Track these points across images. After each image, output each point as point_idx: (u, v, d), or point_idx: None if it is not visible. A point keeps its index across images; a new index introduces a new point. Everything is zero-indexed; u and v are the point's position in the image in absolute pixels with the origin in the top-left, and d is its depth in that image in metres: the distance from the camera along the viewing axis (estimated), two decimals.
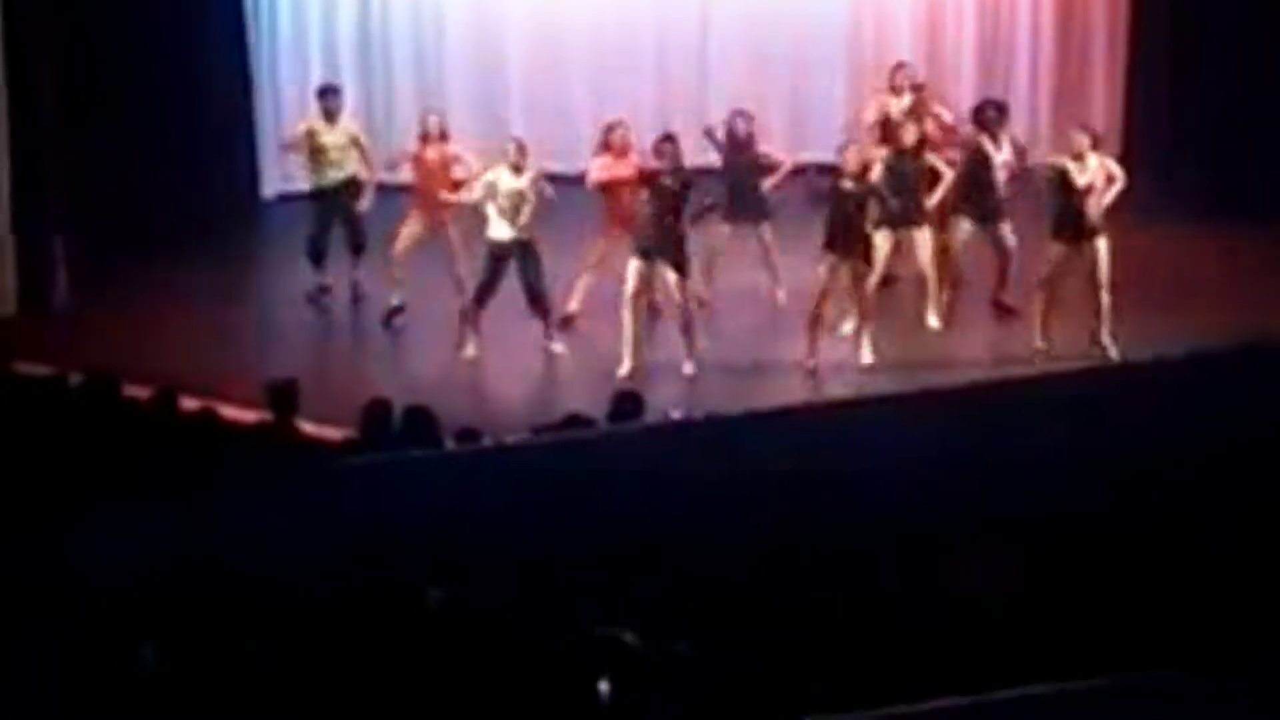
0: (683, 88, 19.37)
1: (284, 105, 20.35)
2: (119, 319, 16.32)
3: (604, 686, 6.47)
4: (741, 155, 16.24)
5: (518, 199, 15.23)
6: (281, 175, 20.23)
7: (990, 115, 16.14)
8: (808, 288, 15.19)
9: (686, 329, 14.95)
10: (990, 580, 5.19)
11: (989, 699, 4.42)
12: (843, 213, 14.84)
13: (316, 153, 16.89)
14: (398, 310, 16.27)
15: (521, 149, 15.50)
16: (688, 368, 14.91)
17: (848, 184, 14.90)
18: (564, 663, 6.69)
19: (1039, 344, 15.04)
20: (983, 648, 5.15)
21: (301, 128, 17.17)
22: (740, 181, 16.26)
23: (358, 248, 16.83)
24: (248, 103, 19.90)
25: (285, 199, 20.35)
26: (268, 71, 20.31)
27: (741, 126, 16.29)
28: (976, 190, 15.92)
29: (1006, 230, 15.89)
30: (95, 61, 18.08)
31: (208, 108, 19.15)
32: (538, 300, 15.34)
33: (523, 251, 15.27)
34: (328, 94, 17.23)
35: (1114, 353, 14.81)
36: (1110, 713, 4.59)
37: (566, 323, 15.85)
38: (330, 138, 16.88)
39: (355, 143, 16.95)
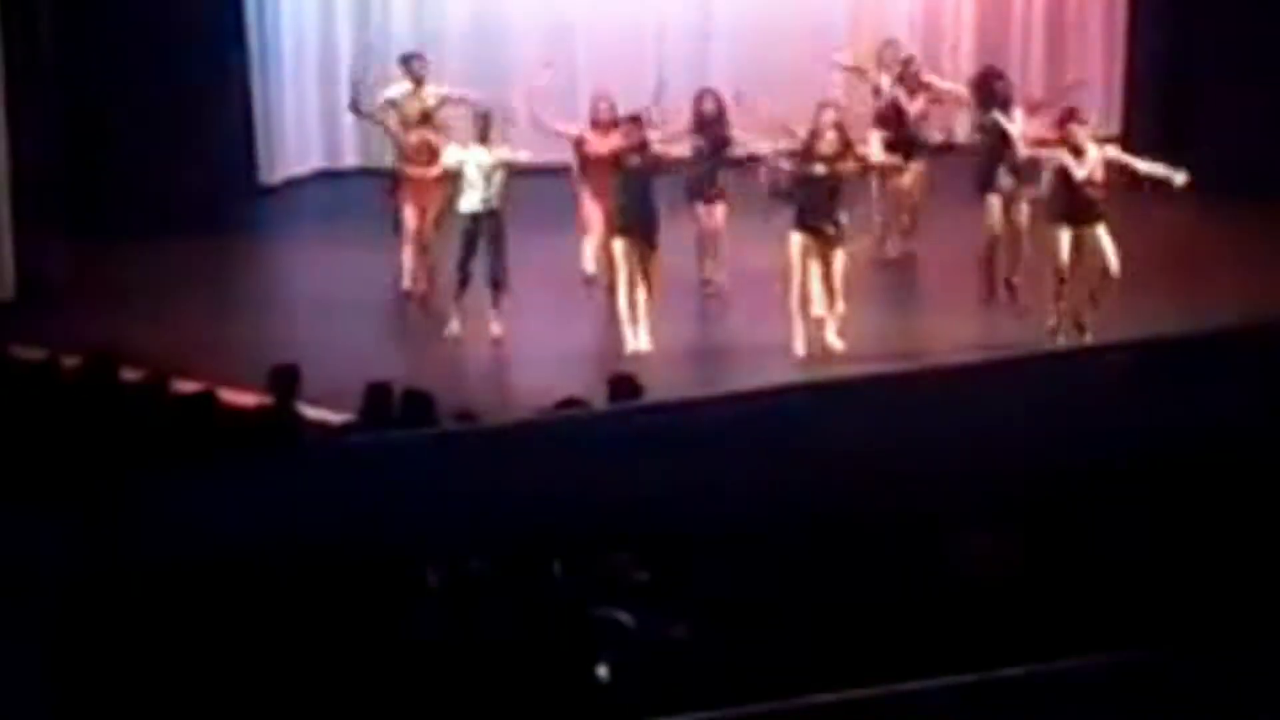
0: (683, 71, 19.29)
1: (283, 89, 20.37)
2: (117, 304, 16.31)
3: (602, 670, 6.47)
4: (711, 134, 16.25)
5: (489, 171, 15.33)
6: (285, 160, 20.26)
7: (998, 86, 16.08)
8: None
9: (644, 307, 15.06)
10: (989, 560, 5.19)
11: (990, 677, 4.41)
12: (814, 196, 14.87)
13: (402, 123, 16.59)
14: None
15: (487, 120, 15.59)
16: (645, 345, 14.96)
17: (819, 168, 14.93)
18: (563, 645, 6.68)
19: (1052, 324, 15.01)
20: (982, 627, 5.15)
21: (381, 98, 16.90)
22: (709, 160, 16.32)
23: (437, 223, 16.82)
24: (245, 86, 19.87)
25: (290, 184, 20.35)
26: (270, 55, 20.29)
27: (710, 105, 16.31)
28: (998, 167, 15.82)
29: (1024, 211, 15.80)
30: (93, 46, 18.07)
31: (206, 92, 19.11)
32: (496, 273, 15.42)
33: (491, 221, 15.37)
34: (412, 60, 16.90)
35: (1088, 336, 14.72)
36: (1108, 693, 4.58)
37: (588, 283, 16.00)
38: (417, 105, 16.61)
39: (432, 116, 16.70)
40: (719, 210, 16.26)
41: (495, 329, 15.42)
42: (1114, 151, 15.22)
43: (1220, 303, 14.66)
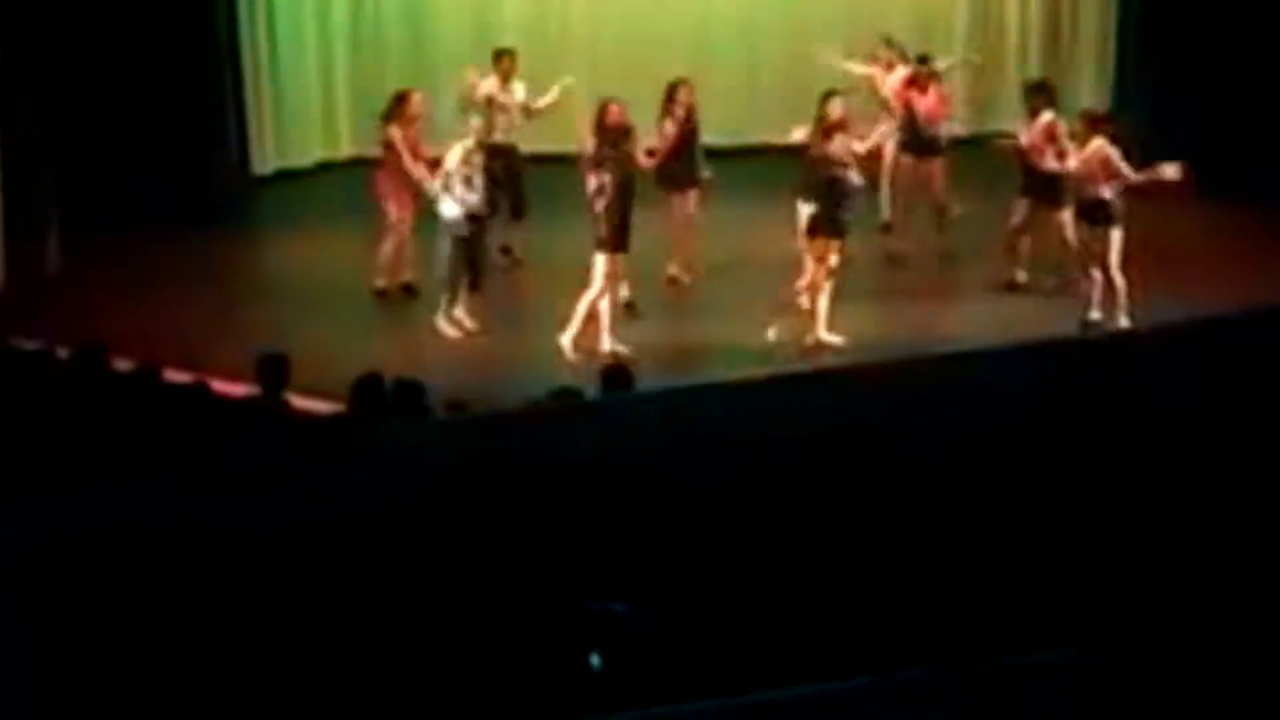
0: (679, 63, 19.29)
1: (278, 79, 20.35)
2: (109, 292, 16.31)
3: (595, 660, 6.44)
4: (683, 125, 16.41)
5: (472, 171, 15.39)
6: (279, 151, 20.24)
7: (1033, 95, 16.24)
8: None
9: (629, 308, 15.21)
10: (1002, 545, 5.18)
11: (995, 667, 4.41)
12: (833, 198, 14.86)
13: (498, 112, 16.86)
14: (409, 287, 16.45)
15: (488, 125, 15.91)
16: (621, 347, 14.93)
17: (838, 170, 14.91)
18: (555, 636, 6.66)
19: (1095, 316, 15.07)
20: (975, 617, 5.14)
21: (481, 90, 17.01)
22: (679, 150, 16.39)
23: (517, 211, 16.87)
24: (238, 77, 19.84)
25: (282, 175, 20.34)
26: (263, 46, 20.26)
27: (683, 97, 16.36)
28: (1027, 172, 15.99)
29: (1066, 216, 15.80)
30: (87, 35, 18.04)
31: (199, 82, 19.09)
32: (475, 273, 15.44)
33: (475, 224, 15.41)
34: (502, 57, 17.22)
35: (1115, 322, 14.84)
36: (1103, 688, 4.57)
37: (629, 310, 15.77)
38: (506, 98, 16.94)
39: (526, 109, 17.07)
40: (692, 197, 16.49)
41: (469, 324, 15.49)
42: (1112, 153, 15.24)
43: (1213, 295, 14.71)
